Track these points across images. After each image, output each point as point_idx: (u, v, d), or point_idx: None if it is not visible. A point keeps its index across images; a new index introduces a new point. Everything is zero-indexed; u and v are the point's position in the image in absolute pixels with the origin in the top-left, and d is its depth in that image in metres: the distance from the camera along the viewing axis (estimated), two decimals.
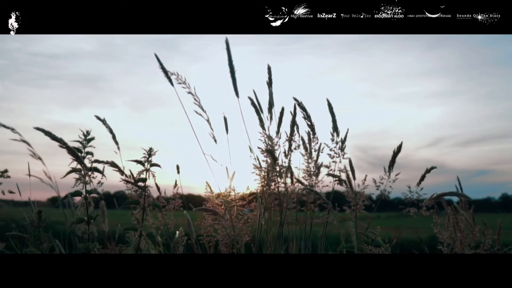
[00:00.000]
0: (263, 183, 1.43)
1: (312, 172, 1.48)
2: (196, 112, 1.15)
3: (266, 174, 1.40)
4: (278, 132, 1.28)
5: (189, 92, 1.17)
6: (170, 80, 1.15)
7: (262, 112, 1.22)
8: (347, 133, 1.37)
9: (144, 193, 1.37)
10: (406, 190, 1.46)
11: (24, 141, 0.95)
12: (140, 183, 1.39)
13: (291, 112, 1.31)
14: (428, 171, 1.50)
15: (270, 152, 1.21)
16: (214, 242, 1.53)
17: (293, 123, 1.32)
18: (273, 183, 1.42)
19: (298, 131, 1.34)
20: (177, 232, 1.53)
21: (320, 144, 1.46)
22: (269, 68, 1.18)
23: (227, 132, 1.22)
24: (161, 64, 1.16)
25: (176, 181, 1.66)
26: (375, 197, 1.49)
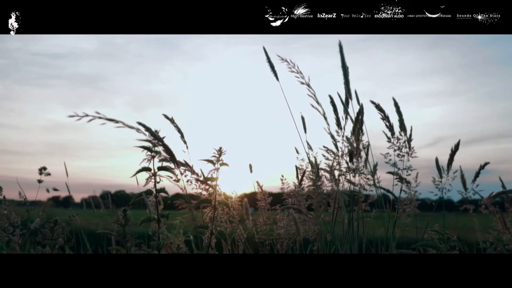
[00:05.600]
0: (314, 183, 1.46)
1: (361, 171, 1.51)
2: (312, 106, 1.15)
3: (316, 171, 1.44)
4: (353, 131, 1.31)
5: (303, 83, 1.17)
6: (276, 75, 1.16)
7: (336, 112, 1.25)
8: (411, 131, 1.40)
9: (215, 192, 1.39)
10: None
11: (150, 141, 0.96)
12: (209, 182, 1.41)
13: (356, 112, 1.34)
14: (482, 167, 1.55)
15: (350, 152, 1.24)
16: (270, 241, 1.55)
17: (361, 123, 1.35)
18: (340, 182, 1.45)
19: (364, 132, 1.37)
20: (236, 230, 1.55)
21: (368, 143, 1.50)
22: (347, 69, 1.21)
23: (305, 132, 1.25)
24: (268, 58, 1.18)
25: None
26: (433, 196, 1.53)
